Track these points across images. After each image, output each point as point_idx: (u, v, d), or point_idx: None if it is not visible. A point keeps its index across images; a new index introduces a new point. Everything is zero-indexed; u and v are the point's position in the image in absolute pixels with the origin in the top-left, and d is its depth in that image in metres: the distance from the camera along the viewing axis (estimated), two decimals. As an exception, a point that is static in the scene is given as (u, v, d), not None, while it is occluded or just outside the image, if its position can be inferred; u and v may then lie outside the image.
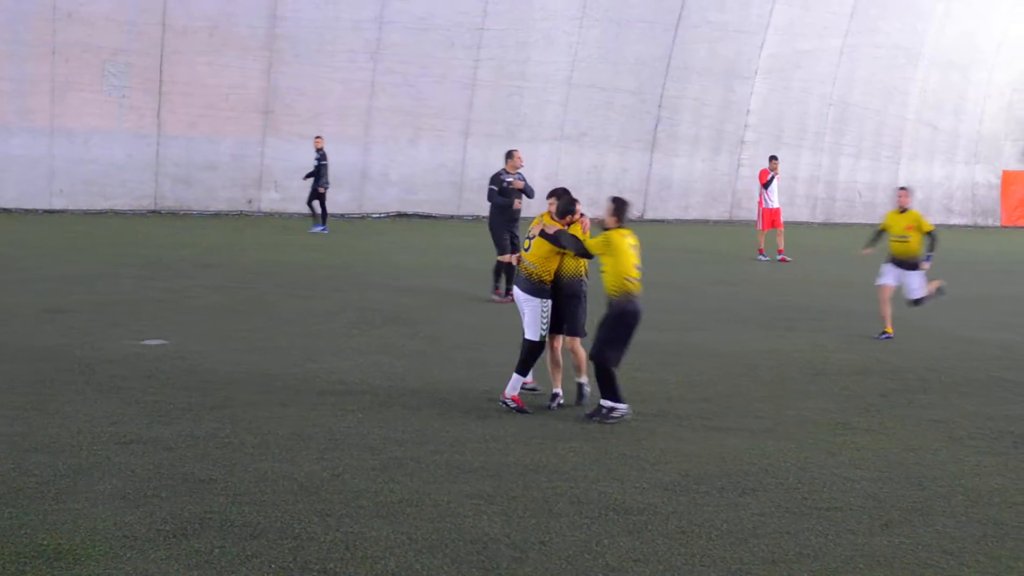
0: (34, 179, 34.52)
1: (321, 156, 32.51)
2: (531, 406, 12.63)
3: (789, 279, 25.88)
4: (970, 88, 44.80)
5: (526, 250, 12.94)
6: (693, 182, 41.60)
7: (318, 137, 33.15)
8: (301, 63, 36.04)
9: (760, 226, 30.40)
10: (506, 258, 20.77)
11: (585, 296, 12.98)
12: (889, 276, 18.54)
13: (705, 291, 23.29)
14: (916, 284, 18.42)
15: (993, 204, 46.45)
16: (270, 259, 25.43)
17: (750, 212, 41.21)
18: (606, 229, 12.58)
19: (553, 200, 12.99)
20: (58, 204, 34.69)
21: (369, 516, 9.01)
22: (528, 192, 20.95)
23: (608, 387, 12.28)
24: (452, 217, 38.15)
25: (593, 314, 12.89)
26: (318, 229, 32.21)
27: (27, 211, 34.21)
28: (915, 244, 18.43)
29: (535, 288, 12.73)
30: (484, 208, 21.96)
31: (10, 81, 33.90)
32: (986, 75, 44.70)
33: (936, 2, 42.84)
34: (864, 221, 42.13)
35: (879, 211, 43.20)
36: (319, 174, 32.46)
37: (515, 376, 12.63)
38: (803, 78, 41.98)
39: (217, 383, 13.31)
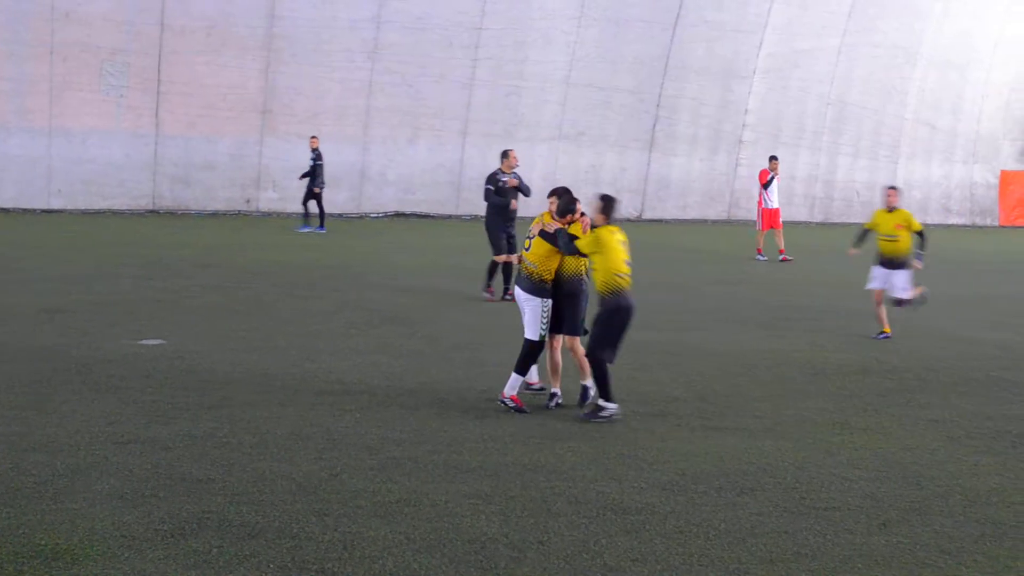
0: (32, 179, 34.52)
1: (317, 156, 32.48)
2: (529, 406, 12.63)
3: (787, 279, 25.88)
4: (968, 88, 44.80)
5: (527, 249, 12.94)
6: (691, 182, 41.60)
7: (313, 137, 33.14)
8: (299, 63, 36.04)
9: (760, 226, 30.38)
10: (502, 258, 20.77)
11: (586, 296, 12.99)
12: (878, 280, 18.47)
13: (703, 291, 23.29)
14: (902, 283, 18.33)
15: (991, 204, 46.46)
16: (268, 259, 25.43)
17: (748, 212, 41.23)
18: (594, 227, 12.60)
19: (554, 199, 13.00)
20: (56, 204, 34.68)
21: (367, 516, 9.01)
22: (524, 191, 20.95)
23: (604, 387, 12.31)
24: (450, 217, 38.15)
25: (592, 313, 12.88)
26: (306, 229, 32.11)
27: (25, 211, 34.20)
28: (904, 243, 18.36)
29: (536, 287, 12.73)
30: (482, 208, 21.97)
31: (8, 81, 33.90)
32: (984, 74, 44.70)
33: (934, 2, 42.85)
34: (862, 221, 42.05)
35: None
36: (314, 174, 32.42)
37: (514, 375, 12.62)
38: (801, 77, 41.98)
39: (215, 383, 13.31)
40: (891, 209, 18.49)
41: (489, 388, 13.45)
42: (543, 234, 12.75)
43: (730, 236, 36.50)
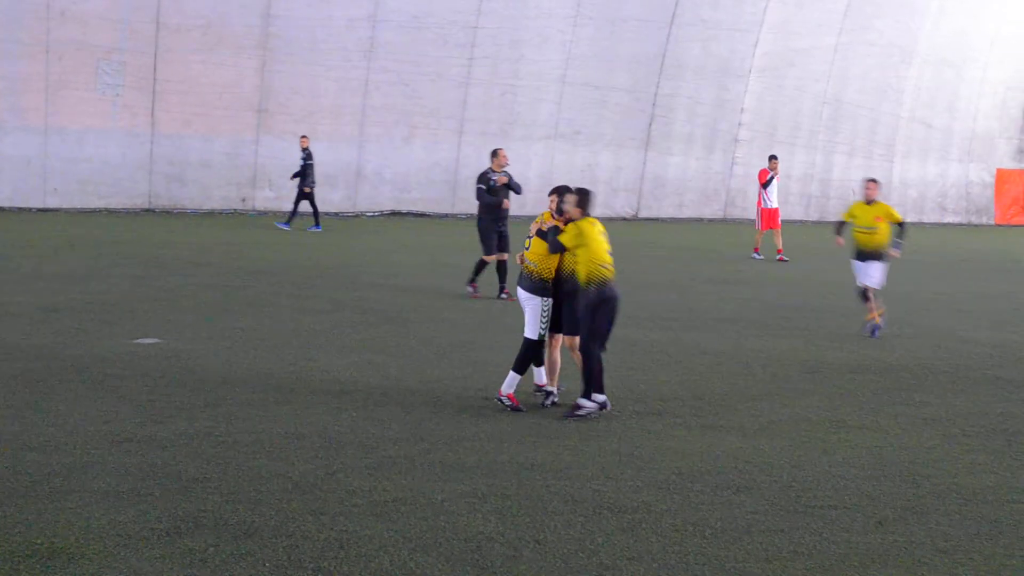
0: (28, 178, 34.49)
1: (307, 156, 32.43)
2: (525, 404, 12.62)
3: (784, 278, 25.89)
4: (964, 86, 44.81)
5: (527, 248, 12.94)
6: (687, 180, 41.61)
7: (303, 137, 33.10)
8: (295, 62, 36.03)
9: (759, 226, 30.36)
10: (491, 258, 20.80)
11: None
12: (860, 273, 18.43)
13: (699, 290, 23.29)
14: (876, 273, 18.27)
15: (987, 202, 46.48)
16: (264, 258, 25.42)
17: (744, 211, 41.27)
18: (571, 221, 12.61)
19: (554, 197, 13.00)
20: (52, 203, 34.65)
21: (363, 514, 9.00)
22: (515, 189, 20.94)
23: (588, 381, 12.32)
24: (446, 216, 38.14)
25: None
26: (284, 226, 32.06)
27: (21, 210, 34.17)
28: (882, 235, 18.31)
29: (536, 286, 12.72)
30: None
31: (4, 80, 33.88)
32: (980, 73, 44.71)
33: (930, 0, 42.85)
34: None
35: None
36: (304, 174, 32.39)
37: (512, 374, 12.62)
38: (797, 76, 41.98)
39: (211, 382, 13.30)
40: (870, 202, 18.45)
41: (486, 387, 13.45)
42: (539, 233, 12.76)
43: (726, 235, 36.51)
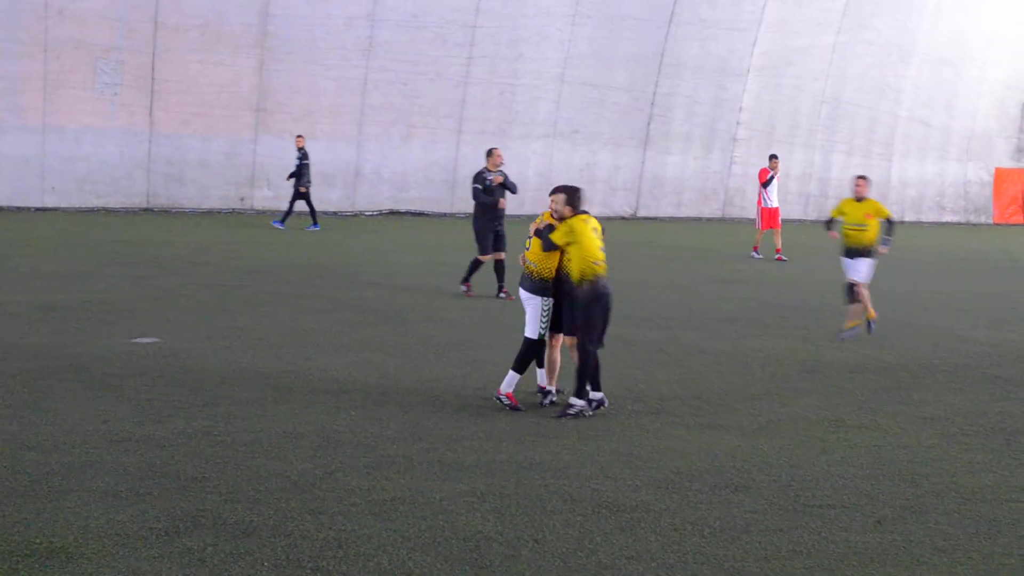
0: (26, 177, 34.49)
1: (303, 155, 32.42)
2: (524, 404, 12.61)
3: (782, 277, 25.89)
4: (962, 85, 44.83)
5: (527, 249, 12.93)
6: (685, 179, 41.63)
7: (299, 136, 33.10)
8: (293, 61, 36.04)
9: (760, 225, 30.35)
10: (486, 258, 20.81)
11: None
12: (851, 269, 18.35)
13: (698, 289, 23.29)
14: (863, 268, 18.17)
15: (986, 202, 46.50)
16: (263, 257, 25.42)
17: (743, 210, 41.30)
18: (563, 219, 12.61)
19: (554, 197, 12.98)
20: (50, 202, 34.66)
21: (362, 514, 9.00)
22: (511, 188, 20.94)
23: (581, 381, 12.32)
24: (445, 215, 38.15)
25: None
26: (278, 225, 32.04)
27: (19, 209, 34.17)
28: (872, 233, 18.13)
29: (536, 286, 12.71)
30: (477, 206, 21.95)
31: (2, 79, 33.89)
32: (978, 72, 44.72)
33: (928, -2, 42.93)
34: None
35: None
36: (300, 173, 32.37)
37: (511, 373, 12.61)
38: (795, 75, 42.00)
39: (209, 381, 13.30)
40: (860, 199, 18.28)
41: (484, 386, 13.44)
42: (537, 232, 12.76)
43: (724, 234, 36.52)
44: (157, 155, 35.51)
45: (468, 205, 36.52)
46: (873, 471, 10.68)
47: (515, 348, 12.92)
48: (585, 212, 12.88)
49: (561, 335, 12.91)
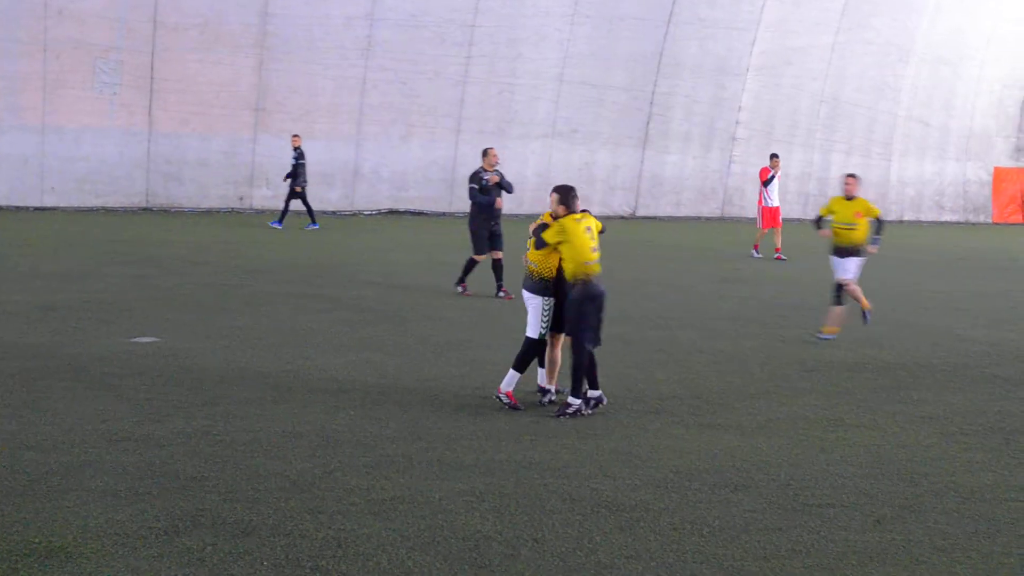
0: (25, 176, 34.49)
1: (299, 155, 32.40)
2: (523, 403, 12.61)
3: (781, 276, 25.89)
4: (960, 84, 44.82)
5: (528, 249, 12.94)
6: (684, 179, 41.62)
7: (295, 136, 33.09)
8: (292, 60, 36.04)
9: (760, 224, 30.33)
10: (481, 257, 20.83)
11: None
12: (840, 269, 18.15)
13: (697, 288, 23.29)
14: (852, 267, 18.02)
15: (985, 201, 46.49)
16: (262, 256, 25.42)
17: (742, 209, 41.30)
18: (557, 218, 12.63)
19: (554, 196, 12.99)
20: (49, 201, 34.65)
21: (361, 513, 9.00)
22: (506, 187, 20.95)
23: (576, 380, 12.33)
24: (444, 214, 38.14)
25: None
26: (277, 225, 31.97)
27: (18, 208, 34.16)
28: (861, 232, 17.89)
29: (537, 286, 12.72)
30: (476, 205, 21.96)
31: (1, 78, 33.89)
32: (977, 71, 44.71)
33: (927, -2, 42.93)
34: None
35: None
36: (296, 173, 32.35)
37: (511, 372, 12.62)
38: (794, 75, 41.98)
39: (209, 380, 13.30)
40: (850, 197, 18.04)
41: (483, 385, 13.44)
42: (534, 231, 12.78)
43: (723, 234, 36.52)
44: (156, 155, 35.50)
45: (467, 204, 36.33)
46: (872, 470, 10.68)
47: (514, 347, 12.93)
48: (585, 211, 12.90)
49: (562, 335, 12.92)
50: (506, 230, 21.09)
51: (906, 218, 44.69)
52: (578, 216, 12.60)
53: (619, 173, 40.59)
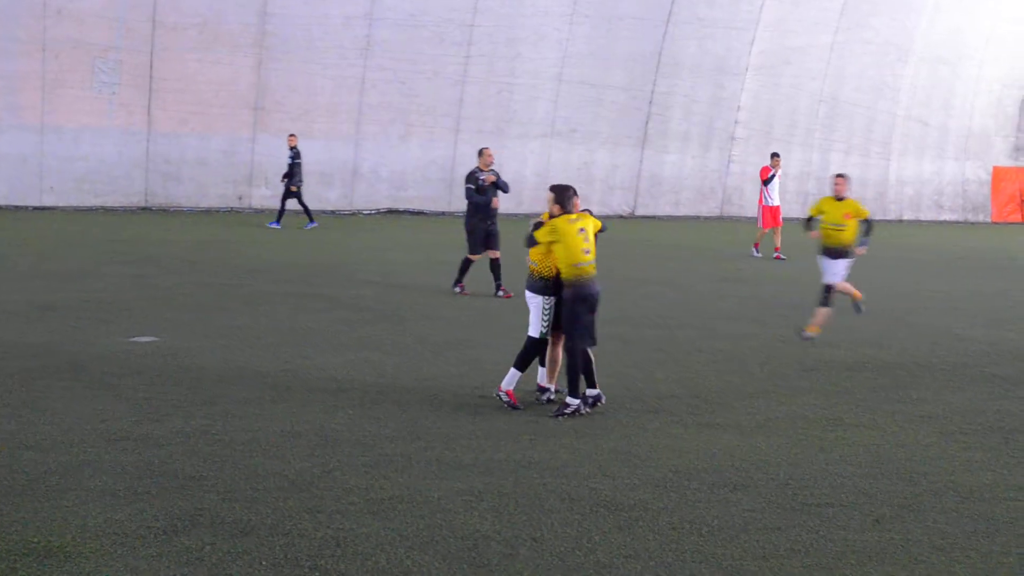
0: (24, 176, 34.47)
1: (295, 154, 32.39)
2: (522, 403, 12.60)
3: (780, 275, 25.89)
4: (959, 84, 44.82)
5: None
6: (683, 178, 41.60)
7: (291, 135, 33.09)
8: (291, 60, 36.02)
9: (761, 223, 30.31)
10: (476, 257, 20.84)
11: None
12: (829, 271, 17.99)
13: (696, 287, 23.29)
14: (840, 269, 17.87)
15: (984, 200, 46.49)
16: (260, 256, 25.41)
17: (741, 208, 41.30)
18: (552, 217, 12.64)
19: (550, 196, 12.99)
20: (48, 201, 34.63)
21: (360, 513, 9.00)
22: (502, 187, 20.97)
23: (572, 380, 12.32)
24: (443, 214, 38.13)
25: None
26: (275, 225, 31.96)
27: (17, 208, 34.14)
28: (850, 233, 17.65)
29: (537, 285, 12.72)
30: (474, 205, 21.95)
31: (0, 78, 33.83)
32: (975, 71, 44.71)
33: (926, -3, 42.92)
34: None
35: (869, 207, 42.93)
36: (292, 173, 32.34)
37: (512, 370, 12.62)
38: (793, 74, 41.97)
39: (207, 380, 13.29)
40: (839, 198, 17.85)
41: (482, 385, 13.44)
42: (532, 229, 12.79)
43: (723, 233, 36.52)
44: (155, 154, 35.48)
45: (465, 204, 36.65)
46: (871, 470, 10.68)
47: (513, 347, 12.93)
48: (586, 211, 12.91)
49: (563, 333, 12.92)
50: (504, 229, 21.08)
51: (905, 217, 44.69)
52: (573, 216, 12.60)
53: (618, 173, 40.58)
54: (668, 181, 41.38)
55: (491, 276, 20.90)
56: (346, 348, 15.46)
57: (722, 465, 10.65)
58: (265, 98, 36.09)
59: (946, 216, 45.73)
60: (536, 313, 12.70)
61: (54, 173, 34.65)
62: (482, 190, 20.80)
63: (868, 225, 17.94)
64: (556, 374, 13.02)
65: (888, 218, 43.78)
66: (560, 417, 12.22)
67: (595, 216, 13.09)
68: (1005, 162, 46.51)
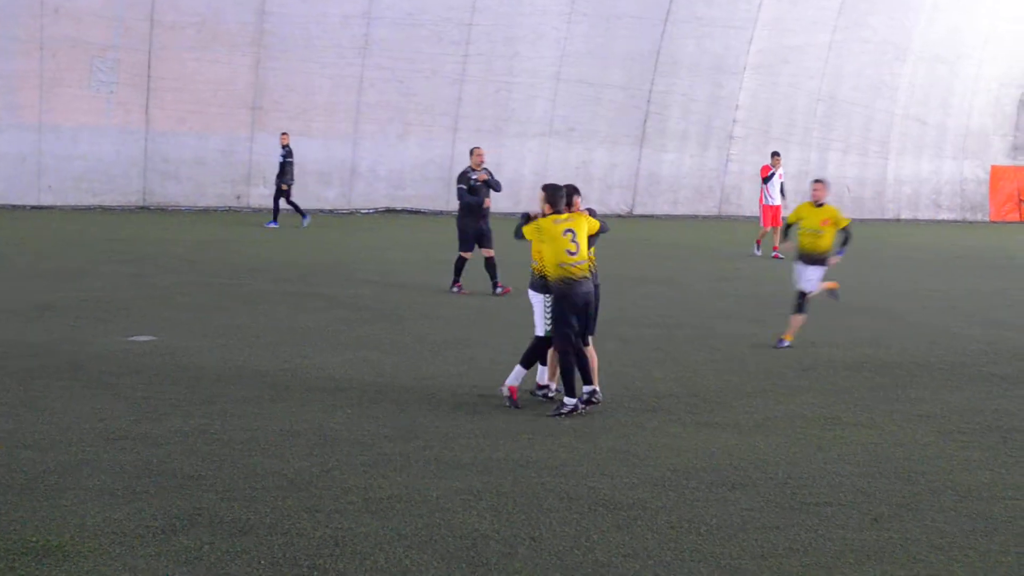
0: (22, 175, 34.45)
1: (287, 153, 32.38)
2: (521, 402, 12.59)
3: (779, 274, 25.86)
4: (957, 83, 44.80)
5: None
6: (682, 177, 41.58)
7: (284, 134, 33.09)
8: (289, 59, 36.00)
9: (762, 222, 30.28)
10: (468, 255, 20.87)
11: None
12: (802, 278, 17.70)
13: (694, 286, 23.29)
14: (815, 277, 17.58)
15: (982, 199, 46.49)
16: (259, 255, 25.40)
17: (739, 207, 41.29)
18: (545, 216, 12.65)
19: (541, 194, 12.99)
20: (46, 200, 34.61)
21: (358, 512, 9.00)
22: (494, 186, 20.99)
23: (566, 379, 12.33)
24: (441, 213, 38.10)
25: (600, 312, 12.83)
26: (273, 224, 31.97)
27: (15, 207, 34.11)
28: (827, 240, 17.26)
29: (538, 284, 12.73)
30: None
31: (-2, 77, 33.88)
32: (974, 70, 44.70)
33: (924, -4, 42.91)
34: (852, 216, 42.01)
35: (867, 206, 43.28)
36: (283, 171, 32.34)
37: (518, 367, 12.64)
38: (791, 73, 41.96)
39: (206, 379, 13.29)
40: (818, 204, 17.34)
41: (480, 384, 13.44)
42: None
43: (721, 232, 36.51)
44: (153, 153, 35.47)
45: (462, 203, 36.64)
46: (869, 469, 10.68)
47: (512, 345, 12.95)
48: (589, 210, 12.93)
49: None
50: (501, 228, 21.07)
51: (903, 216, 44.68)
52: (562, 217, 12.58)
53: (616, 171, 40.56)
54: (666, 180, 41.37)
55: (487, 275, 20.89)
56: (345, 347, 15.46)
57: (720, 464, 10.65)
58: (263, 97, 36.08)
59: (944, 215, 45.72)
60: (539, 311, 12.71)
61: (52, 172, 34.64)
62: (474, 190, 20.82)
63: (846, 235, 17.26)
64: (557, 373, 13.02)
65: (886, 217, 43.80)
66: (558, 416, 12.23)
67: (597, 216, 13.09)
68: (1003, 161, 46.50)
